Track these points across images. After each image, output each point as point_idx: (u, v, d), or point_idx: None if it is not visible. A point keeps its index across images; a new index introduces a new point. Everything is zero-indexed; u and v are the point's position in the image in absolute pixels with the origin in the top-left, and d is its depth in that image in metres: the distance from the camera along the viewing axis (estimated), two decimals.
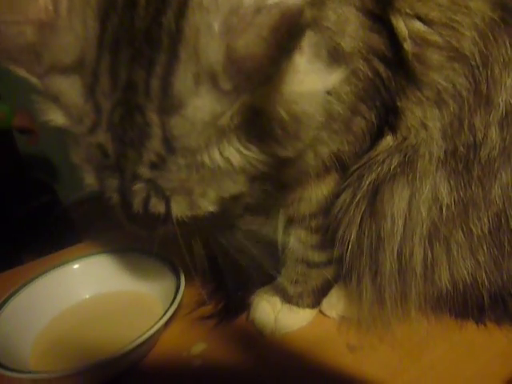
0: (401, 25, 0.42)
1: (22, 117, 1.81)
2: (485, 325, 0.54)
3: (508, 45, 0.42)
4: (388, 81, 0.45)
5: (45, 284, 0.61)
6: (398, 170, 0.47)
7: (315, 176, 0.49)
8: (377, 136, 0.48)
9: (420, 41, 0.43)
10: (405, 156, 0.46)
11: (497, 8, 0.41)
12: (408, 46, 0.43)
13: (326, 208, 0.51)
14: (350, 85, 0.43)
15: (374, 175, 0.48)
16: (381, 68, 0.44)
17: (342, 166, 0.49)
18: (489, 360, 0.51)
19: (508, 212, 0.45)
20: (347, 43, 0.42)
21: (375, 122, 0.47)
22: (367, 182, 0.48)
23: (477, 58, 0.42)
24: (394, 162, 0.47)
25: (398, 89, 0.45)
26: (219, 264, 0.65)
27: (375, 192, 0.48)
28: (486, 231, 0.46)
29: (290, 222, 0.54)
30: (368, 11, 0.42)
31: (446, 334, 0.53)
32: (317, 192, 0.51)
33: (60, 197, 2.11)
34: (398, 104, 0.45)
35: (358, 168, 0.49)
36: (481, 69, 0.42)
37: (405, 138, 0.46)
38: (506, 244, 0.46)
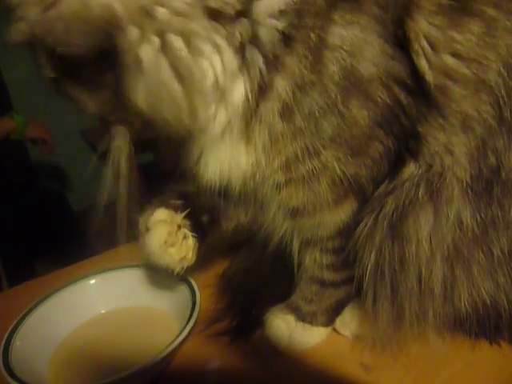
0: (421, 60, 0.44)
1: (35, 127, 1.84)
2: (499, 345, 0.54)
3: None
4: (408, 108, 0.46)
5: (61, 299, 0.62)
6: (425, 198, 0.47)
7: (333, 202, 0.50)
8: (397, 162, 0.48)
9: (445, 73, 0.44)
10: (432, 185, 0.47)
11: None
12: (430, 77, 0.44)
13: (344, 231, 0.52)
14: (367, 110, 0.45)
15: (398, 201, 0.48)
16: (401, 95, 0.45)
17: (360, 191, 0.50)
18: (503, 380, 0.51)
19: None
20: (366, 69, 0.43)
21: (392, 148, 0.47)
22: (391, 208, 0.48)
23: (501, 88, 0.44)
24: (421, 190, 0.47)
25: (419, 115, 0.46)
26: (233, 281, 0.66)
27: (399, 217, 0.48)
28: (506, 252, 0.47)
29: (307, 242, 0.55)
30: (390, 39, 0.44)
31: (460, 354, 0.53)
32: (335, 217, 0.51)
33: (72, 205, 2.13)
34: (420, 130, 0.46)
35: (381, 194, 0.49)
36: (505, 97, 0.44)
37: (430, 166, 0.47)
38: None
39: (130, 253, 0.74)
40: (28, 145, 1.96)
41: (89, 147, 3.07)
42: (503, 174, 0.45)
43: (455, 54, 0.44)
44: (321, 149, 0.46)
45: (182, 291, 0.61)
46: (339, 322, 0.59)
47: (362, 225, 0.50)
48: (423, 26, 0.44)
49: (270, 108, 0.45)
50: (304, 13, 0.42)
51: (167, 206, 0.57)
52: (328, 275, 0.55)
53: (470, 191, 0.46)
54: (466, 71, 0.44)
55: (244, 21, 0.42)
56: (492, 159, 0.46)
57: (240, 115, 0.46)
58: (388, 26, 0.44)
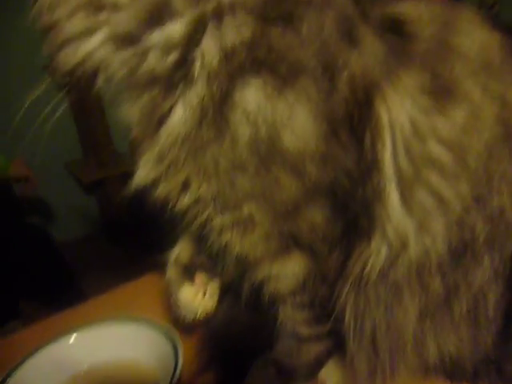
0: (386, 149, 0.45)
1: (17, 166, 1.84)
2: None
3: (506, 161, 0.47)
4: (353, 192, 0.45)
5: (43, 358, 0.62)
6: (401, 279, 0.48)
7: (275, 253, 0.48)
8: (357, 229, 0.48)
9: (423, 161, 0.45)
10: (410, 269, 0.48)
11: (500, 123, 0.46)
12: (393, 167, 0.45)
13: (308, 286, 0.51)
14: (296, 181, 0.43)
15: (374, 276, 0.48)
16: (344, 180, 0.45)
17: (309, 249, 0.48)
18: None
19: (484, 292, 0.49)
20: (291, 143, 0.42)
21: (342, 216, 0.47)
22: (369, 277, 0.48)
23: (480, 170, 0.46)
24: (398, 273, 0.48)
25: (373, 198, 0.46)
26: (217, 331, 0.66)
27: (373, 281, 0.48)
28: (466, 310, 0.50)
29: (275, 296, 0.53)
30: (334, 120, 0.43)
31: None
32: (286, 270, 0.50)
33: (55, 237, 2.11)
34: (377, 213, 0.46)
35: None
36: (483, 179, 0.46)
37: (405, 246, 0.47)
38: (483, 321, 0.50)
39: (117, 299, 0.75)
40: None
41: (73, 179, 3.07)
42: (475, 246, 0.48)
43: (438, 140, 0.45)
44: (240, 202, 0.45)
45: (164, 344, 0.61)
46: (323, 373, 0.59)
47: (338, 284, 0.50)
48: (403, 107, 0.44)
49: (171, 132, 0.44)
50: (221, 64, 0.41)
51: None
52: (304, 330, 0.55)
53: (440, 262, 0.48)
54: (447, 158, 0.45)
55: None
56: (467, 233, 0.47)
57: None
58: (337, 106, 0.43)
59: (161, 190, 0.48)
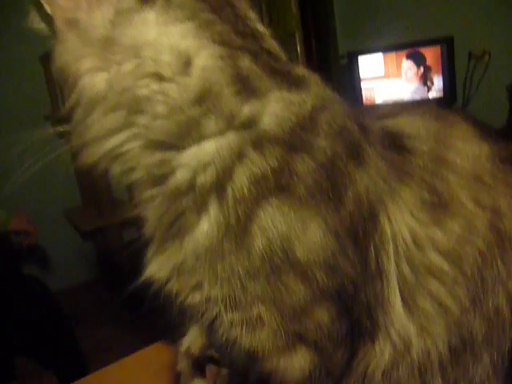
0: (390, 259, 0.48)
1: (18, 220, 1.85)
2: None
3: (500, 264, 0.50)
4: (356, 294, 0.48)
5: None
6: (404, 378, 0.50)
7: (282, 349, 0.50)
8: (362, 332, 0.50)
9: (424, 270, 0.49)
10: (412, 369, 0.50)
11: (492, 230, 0.50)
12: (396, 276, 0.48)
13: (316, 378, 0.52)
14: (305, 286, 0.46)
15: (378, 376, 0.50)
16: (349, 287, 0.47)
17: (315, 347, 0.49)
18: None
19: None
20: (302, 254, 0.45)
21: (348, 318, 0.49)
22: (373, 377, 0.50)
23: (475, 275, 0.49)
24: (401, 373, 0.50)
25: (376, 303, 0.48)
26: None
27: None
28: None
29: None
30: (342, 234, 0.46)
31: None
32: (291, 364, 0.51)
33: (52, 283, 2.10)
34: (380, 317, 0.49)
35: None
36: (479, 282, 0.49)
37: (407, 348, 0.49)
38: None
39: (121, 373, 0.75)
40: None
41: (72, 227, 3.08)
42: (474, 344, 0.50)
43: (437, 251, 0.48)
44: (249, 304, 0.47)
45: None
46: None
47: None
48: (404, 220, 0.48)
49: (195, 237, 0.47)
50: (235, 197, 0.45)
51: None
52: None
53: (441, 361, 0.50)
54: (445, 266, 0.48)
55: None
56: (466, 334, 0.50)
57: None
58: (344, 222, 0.46)
59: (171, 287, 0.50)
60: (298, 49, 3.31)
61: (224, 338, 0.52)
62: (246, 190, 0.45)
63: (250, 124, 0.46)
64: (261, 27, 0.51)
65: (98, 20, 0.46)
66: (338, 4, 3.25)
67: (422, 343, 0.49)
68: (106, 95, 0.46)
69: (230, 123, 0.46)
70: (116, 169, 0.49)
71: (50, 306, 1.87)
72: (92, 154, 0.48)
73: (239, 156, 0.45)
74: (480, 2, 2.46)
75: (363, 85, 2.82)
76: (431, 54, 2.54)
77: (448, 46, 2.48)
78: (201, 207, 0.46)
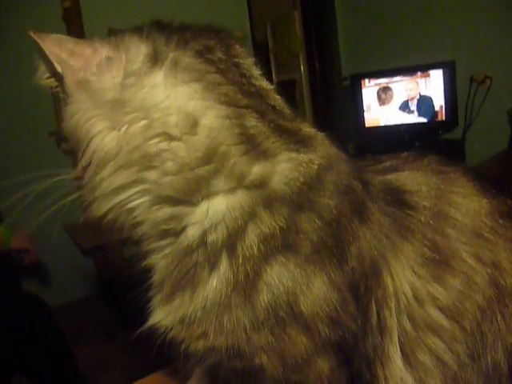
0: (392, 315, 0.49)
1: (20, 238, 1.85)
2: None
3: (500, 319, 0.50)
4: (356, 346, 0.49)
5: None
6: None
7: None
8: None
9: (424, 325, 0.49)
10: None
11: (492, 285, 0.50)
12: (396, 332, 0.49)
13: None
14: (307, 338, 0.47)
15: None
16: (350, 340, 0.48)
17: None
18: None
19: None
20: (307, 307, 0.46)
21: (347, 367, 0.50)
22: None
23: (475, 331, 0.50)
24: None
25: (375, 356, 0.49)
26: None
27: None
28: None
29: None
30: (344, 290, 0.47)
31: None
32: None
33: (51, 299, 2.10)
34: (379, 370, 0.49)
35: None
36: (478, 338, 0.50)
37: None
38: None
39: None
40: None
41: (72, 242, 3.08)
42: None
43: (437, 307, 0.49)
44: (252, 354, 0.48)
45: None
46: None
47: None
48: (405, 276, 0.49)
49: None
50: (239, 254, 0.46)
51: None
52: None
53: None
54: (445, 322, 0.49)
55: None
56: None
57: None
58: (346, 277, 0.48)
59: (176, 334, 0.51)
60: (301, 70, 3.34)
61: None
62: (255, 248, 0.46)
63: (260, 184, 0.47)
64: (265, 84, 0.53)
65: (108, 83, 0.47)
66: (342, 26, 3.29)
67: None
68: (116, 154, 0.47)
69: (240, 182, 0.47)
70: (124, 221, 0.51)
71: (49, 325, 1.86)
72: (101, 208, 0.50)
73: (250, 216, 0.46)
74: (482, 27, 2.48)
75: (365, 107, 2.84)
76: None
77: (450, 71, 2.51)
78: (211, 264, 0.47)
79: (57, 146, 2.57)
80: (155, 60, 0.47)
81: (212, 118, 0.47)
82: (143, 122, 0.47)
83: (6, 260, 1.90)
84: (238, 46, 0.53)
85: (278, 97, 0.53)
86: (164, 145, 0.46)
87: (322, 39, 3.30)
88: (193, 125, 0.46)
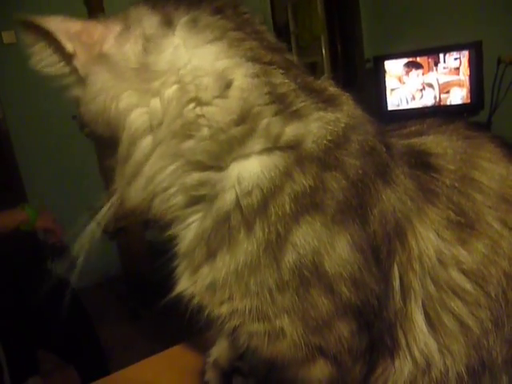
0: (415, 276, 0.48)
1: (44, 219, 1.88)
2: None
3: None
4: (379, 311, 0.49)
5: None
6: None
7: (302, 360, 0.51)
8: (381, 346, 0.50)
9: (448, 288, 0.49)
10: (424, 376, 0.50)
11: None
12: (420, 294, 0.49)
13: None
14: (329, 300, 0.47)
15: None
16: (373, 301, 0.48)
17: (333, 359, 0.50)
18: None
19: None
20: (331, 267, 0.46)
21: (368, 331, 0.49)
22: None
23: (499, 297, 0.49)
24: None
25: (396, 320, 0.49)
26: None
27: None
28: None
29: None
30: (367, 251, 0.47)
31: None
32: (310, 375, 0.52)
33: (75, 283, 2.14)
34: (401, 334, 0.49)
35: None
36: (502, 305, 0.49)
37: (429, 365, 0.49)
38: None
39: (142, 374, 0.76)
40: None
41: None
42: (493, 366, 0.49)
43: (461, 270, 0.48)
44: (274, 316, 0.48)
45: None
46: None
47: None
48: (430, 239, 0.48)
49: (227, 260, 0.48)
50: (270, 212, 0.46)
51: None
52: None
53: (459, 382, 0.50)
54: (469, 286, 0.48)
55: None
56: (486, 355, 0.49)
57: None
58: (368, 239, 0.47)
59: (201, 300, 0.51)
60: (323, 52, 3.30)
61: (245, 347, 0.53)
62: (287, 208, 0.46)
63: (294, 145, 0.47)
64: (278, 41, 0.52)
65: (129, 51, 0.46)
66: (364, 8, 3.23)
67: (442, 362, 0.49)
68: (156, 127, 0.46)
69: (275, 143, 0.46)
70: (157, 200, 0.49)
71: (74, 305, 1.90)
72: (138, 195, 0.49)
73: (286, 176, 0.46)
74: (509, 5, 2.41)
75: (388, 90, 2.80)
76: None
77: (476, 51, 2.45)
78: (246, 227, 0.47)
79: (80, 130, 2.60)
80: (169, 24, 0.47)
81: (242, 78, 0.46)
82: (175, 87, 0.46)
83: (32, 240, 1.94)
84: (243, 6, 0.51)
85: (290, 55, 0.52)
86: (199, 110, 0.46)
87: (343, 20, 3.25)
88: (226, 85, 0.46)
